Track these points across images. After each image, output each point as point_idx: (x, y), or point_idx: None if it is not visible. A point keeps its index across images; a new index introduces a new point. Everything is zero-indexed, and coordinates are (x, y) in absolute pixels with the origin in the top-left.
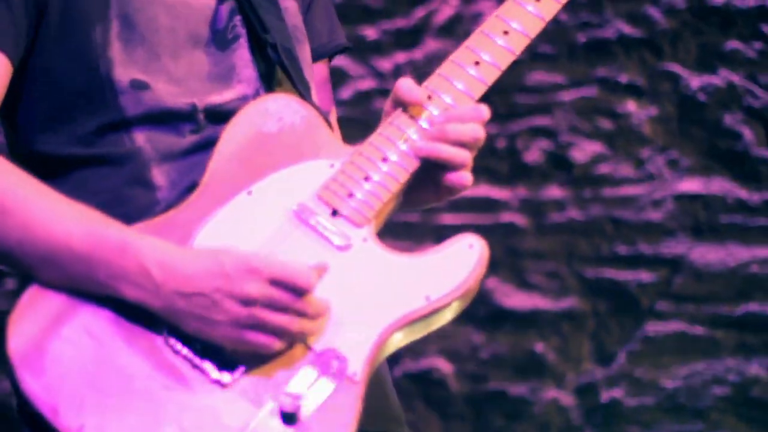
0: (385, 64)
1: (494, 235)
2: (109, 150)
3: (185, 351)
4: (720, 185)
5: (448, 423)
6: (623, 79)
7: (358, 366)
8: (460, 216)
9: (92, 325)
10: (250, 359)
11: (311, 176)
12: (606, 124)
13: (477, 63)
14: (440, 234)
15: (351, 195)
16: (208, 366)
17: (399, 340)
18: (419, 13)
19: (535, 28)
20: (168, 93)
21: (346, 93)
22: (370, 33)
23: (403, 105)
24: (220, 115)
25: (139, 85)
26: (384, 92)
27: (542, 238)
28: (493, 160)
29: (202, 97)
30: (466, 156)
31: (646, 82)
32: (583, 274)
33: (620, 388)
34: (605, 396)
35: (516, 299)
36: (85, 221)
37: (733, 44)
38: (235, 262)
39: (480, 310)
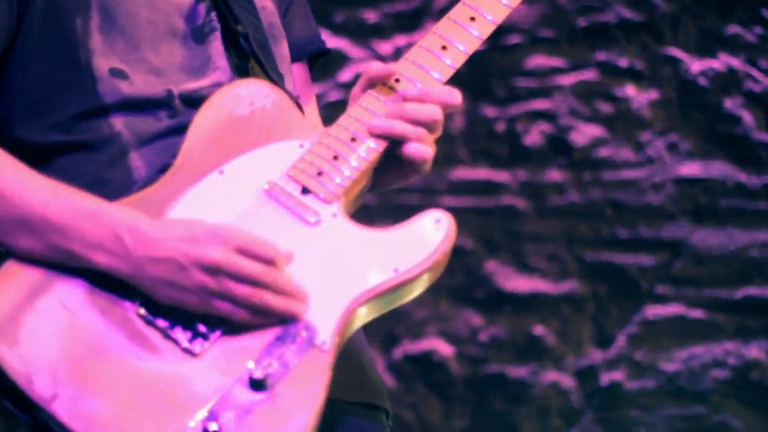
0: (385, 46)
1: (494, 218)
2: (88, 136)
3: (157, 321)
4: (720, 169)
5: (449, 405)
6: (623, 63)
7: (326, 335)
8: (461, 199)
9: (67, 297)
10: (222, 329)
11: (282, 156)
12: (606, 107)
13: (444, 48)
14: None
15: (320, 173)
16: (179, 336)
17: (368, 313)
18: None
19: (500, 14)
20: (146, 82)
21: (346, 75)
22: (371, 16)
23: (371, 85)
24: (196, 101)
25: (117, 73)
26: None
27: (542, 221)
28: (493, 144)
29: (178, 83)
30: (421, 133)
31: (646, 66)
32: (583, 257)
33: (620, 371)
34: (605, 379)
35: (516, 282)
36: (61, 192)
37: (734, 28)
38: (204, 230)
39: (480, 293)
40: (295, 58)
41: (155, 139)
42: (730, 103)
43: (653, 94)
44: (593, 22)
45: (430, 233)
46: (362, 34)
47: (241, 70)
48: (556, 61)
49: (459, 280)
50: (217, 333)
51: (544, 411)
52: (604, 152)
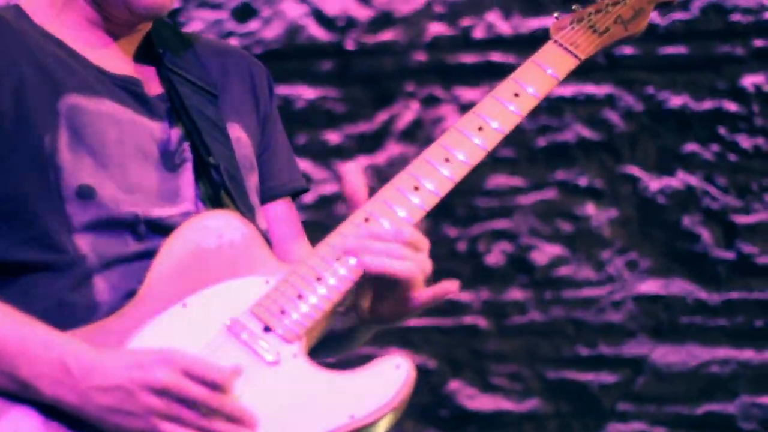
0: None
1: (457, 337)
2: (53, 257)
3: None
4: (680, 286)
5: None
6: (583, 181)
7: None
8: (424, 318)
9: (21, 426)
10: None
11: (246, 292)
12: (566, 226)
13: (417, 188)
14: (405, 337)
15: (284, 312)
16: None
17: None
18: (381, 117)
19: (475, 157)
20: (113, 200)
21: (309, 197)
22: (333, 137)
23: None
24: (162, 228)
25: (85, 193)
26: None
27: (505, 340)
28: (455, 263)
29: (145, 208)
30: (408, 267)
31: (605, 184)
32: (545, 375)
33: None
34: None
35: (479, 401)
36: (11, 319)
37: (691, 146)
38: (150, 354)
39: (443, 413)
40: (278, 195)
41: (120, 263)
42: (688, 221)
43: (613, 213)
44: (552, 142)
45: (389, 379)
46: (324, 155)
47: (211, 201)
48: (516, 181)
49: (423, 399)
50: None
51: None
52: (564, 271)
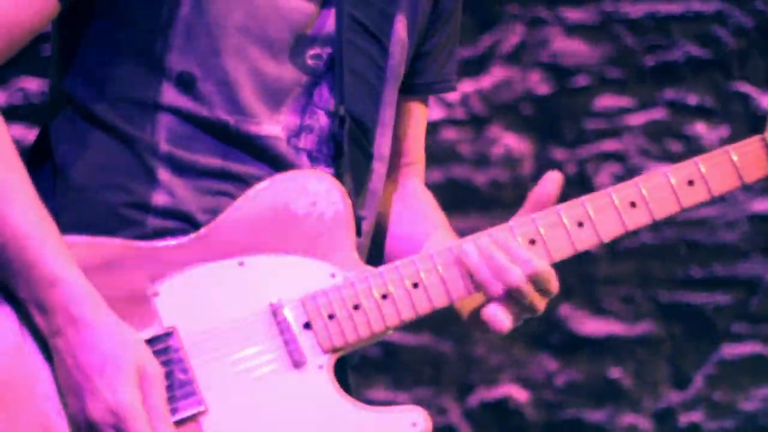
0: (452, 93)
1: (567, 261)
2: (130, 128)
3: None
4: None
5: None
6: (692, 100)
7: None
8: None
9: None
10: None
11: (308, 277)
12: (676, 146)
13: (581, 224)
14: None
15: (332, 317)
16: None
17: None
18: (486, 41)
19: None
20: (211, 96)
21: None
22: None
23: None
24: (249, 147)
25: (185, 81)
26: (452, 122)
27: (616, 263)
28: (563, 186)
29: (239, 118)
30: (498, 289)
31: (715, 102)
32: (657, 298)
33: (698, 411)
34: (683, 420)
35: (591, 325)
36: (36, 236)
37: None
38: (127, 375)
39: (554, 337)
40: (419, 92)
41: (190, 174)
42: None
43: (724, 131)
44: (660, 61)
45: None
46: None
47: (316, 138)
48: (624, 101)
49: (533, 324)
50: None
51: None
52: None
